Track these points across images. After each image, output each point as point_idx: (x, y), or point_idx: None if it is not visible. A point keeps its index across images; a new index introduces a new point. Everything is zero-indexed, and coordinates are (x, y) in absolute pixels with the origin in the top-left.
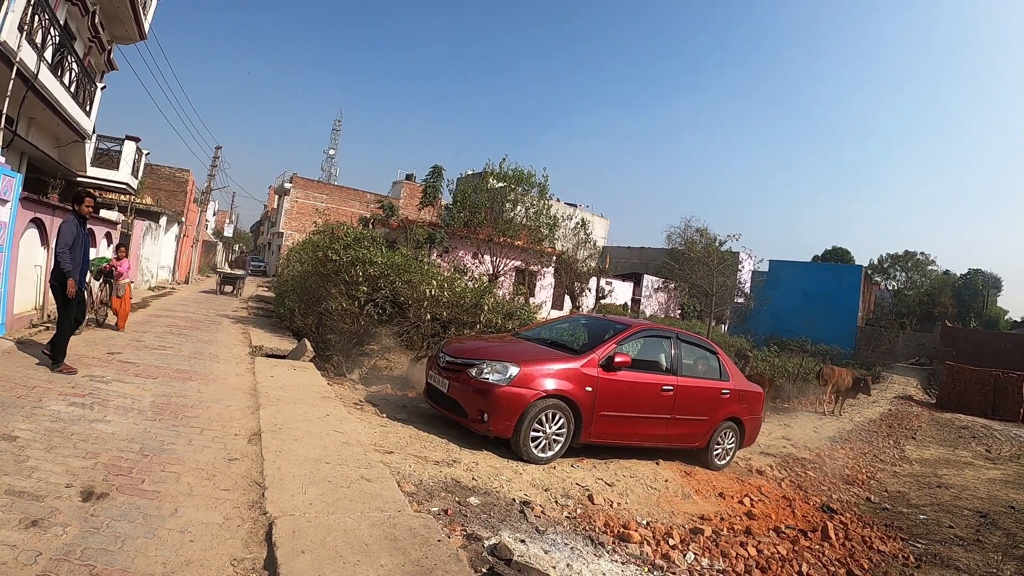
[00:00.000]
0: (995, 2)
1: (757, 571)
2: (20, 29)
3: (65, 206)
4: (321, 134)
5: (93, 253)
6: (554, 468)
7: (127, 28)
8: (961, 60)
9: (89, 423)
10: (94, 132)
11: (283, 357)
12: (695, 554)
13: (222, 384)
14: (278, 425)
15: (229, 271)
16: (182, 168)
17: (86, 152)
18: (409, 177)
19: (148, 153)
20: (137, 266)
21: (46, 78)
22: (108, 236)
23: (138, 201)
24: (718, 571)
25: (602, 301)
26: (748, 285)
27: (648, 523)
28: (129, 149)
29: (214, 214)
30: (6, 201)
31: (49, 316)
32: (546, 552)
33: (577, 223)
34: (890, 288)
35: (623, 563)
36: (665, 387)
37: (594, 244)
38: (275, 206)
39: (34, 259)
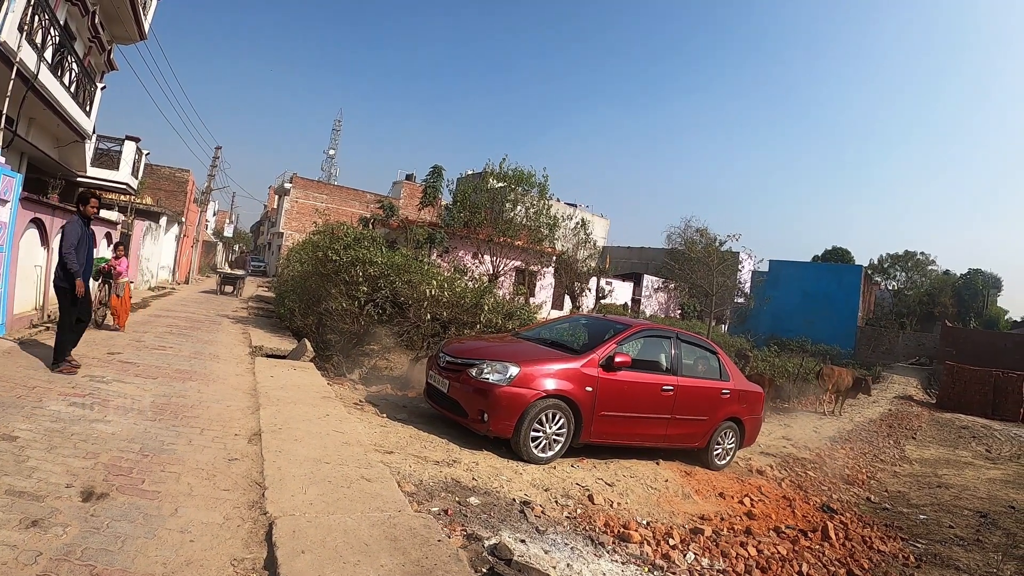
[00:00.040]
0: (995, 2)
1: (757, 571)
2: (20, 29)
3: (66, 206)
4: (321, 134)
5: (96, 253)
6: (554, 468)
7: (127, 28)
8: (961, 60)
9: (89, 423)
10: (94, 132)
11: (283, 357)
12: (695, 554)
13: (222, 384)
14: (278, 425)
15: (229, 271)
16: (182, 168)
17: (86, 152)
18: (409, 177)
19: (148, 153)
20: (137, 266)
21: (46, 78)
22: (108, 236)
23: (138, 201)
24: (718, 571)
25: (602, 301)
26: (748, 285)
27: (648, 523)
28: (129, 149)
29: (214, 214)
30: (6, 201)
31: (49, 316)
32: (546, 552)
33: (577, 223)
34: (890, 288)
35: (623, 563)
36: (665, 387)
37: (594, 244)
38: (275, 206)
39: (34, 259)
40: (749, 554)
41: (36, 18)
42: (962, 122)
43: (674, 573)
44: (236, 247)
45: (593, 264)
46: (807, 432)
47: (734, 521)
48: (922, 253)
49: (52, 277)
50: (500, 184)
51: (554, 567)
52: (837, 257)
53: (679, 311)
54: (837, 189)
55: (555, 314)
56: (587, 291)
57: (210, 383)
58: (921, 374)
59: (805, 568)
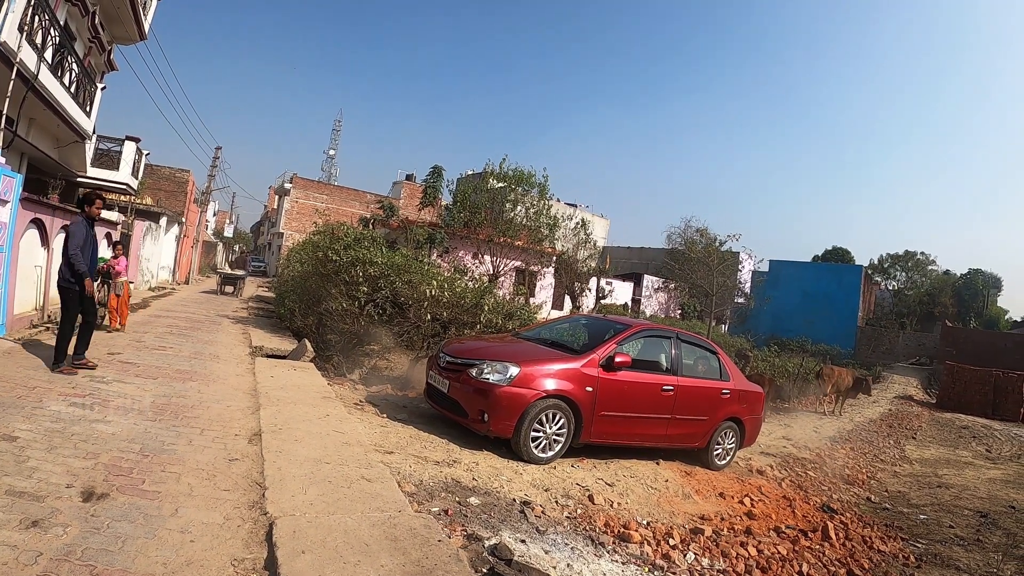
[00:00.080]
0: (995, 2)
1: (757, 571)
2: (20, 30)
3: (66, 206)
4: (321, 134)
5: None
6: (554, 468)
7: (127, 28)
8: (961, 60)
9: (89, 423)
10: (94, 132)
11: (283, 357)
12: (695, 554)
13: (222, 384)
14: (278, 425)
15: (230, 271)
16: (182, 168)
17: (86, 152)
18: (409, 177)
19: (148, 153)
20: (137, 266)
21: (46, 79)
22: (108, 236)
23: (138, 201)
24: (718, 571)
25: (602, 301)
26: (748, 285)
27: (648, 523)
28: (129, 149)
29: (214, 214)
30: (6, 202)
31: (49, 316)
32: (546, 552)
33: (577, 223)
34: (890, 288)
35: (623, 563)
36: (665, 387)
37: (594, 244)
38: (275, 206)
39: (34, 259)
40: (749, 554)
41: (36, 18)
42: (962, 122)
43: (674, 573)
44: (236, 247)
45: (593, 264)
46: (807, 432)
47: (734, 521)
48: (922, 253)
49: (56, 278)
50: (500, 184)
51: (554, 567)
52: (837, 257)
53: (679, 311)
54: (837, 189)
55: (555, 314)
56: (587, 291)
57: (210, 383)
58: (921, 374)
59: (805, 568)
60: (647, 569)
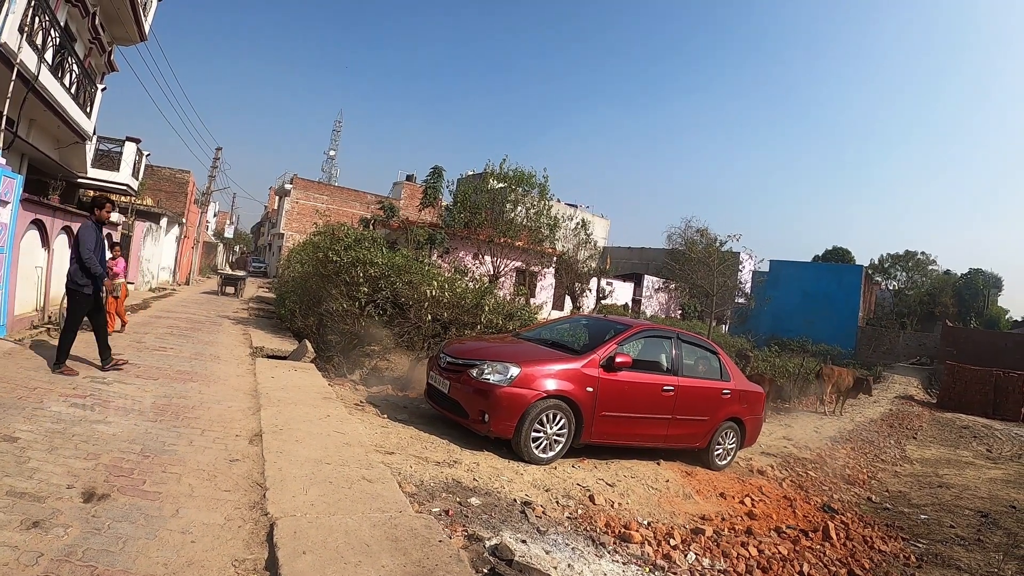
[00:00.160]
0: (995, 2)
1: (758, 571)
2: (21, 31)
3: (67, 207)
4: (321, 134)
5: None
6: (555, 469)
7: (127, 29)
8: (961, 60)
9: (90, 424)
10: (95, 133)
11: (284, 358)
12: (696, 554)
13: (223, 385)
14: (279, 426)
15: (231, 272)
16: (183, 169)
17: (87, 153)
18: (409, 178)
19: (148, 154)
20: (138, 267)
21: (46, 79)
22: (108, 237)
23: (139, 202)
24: (719, 571)
25: (603, 301)
26: (748, 285)
27: (649, 523)
28: (129, 150)
29: (215, 215)
30: (7, 203)
31: (50, 317)
32: (547, 552)
33: (577, 223)
34: (891, 288)
35: (624, 563)
36: (666, 387)
37: (595, 244)
38: (275, 207)
39: (35, 260)
40: (750, 554)
41: (36, 19)
42: (962, 122)
43: (675, 573)
44: (237, 248)
45: (594, 264)
46: (808, 432)
47: (735, 521)
48: (923, 253)
49: (66, 280)
50: (500, 185)
51: (555, 567)
52: (837, 257)
53: (680, 311)
54: (837, 189)
55: (556, 314)
56: (588, 292)
57: (211, 384)
58: (922, 374)
59: (806, 568)
60: (648, 569)
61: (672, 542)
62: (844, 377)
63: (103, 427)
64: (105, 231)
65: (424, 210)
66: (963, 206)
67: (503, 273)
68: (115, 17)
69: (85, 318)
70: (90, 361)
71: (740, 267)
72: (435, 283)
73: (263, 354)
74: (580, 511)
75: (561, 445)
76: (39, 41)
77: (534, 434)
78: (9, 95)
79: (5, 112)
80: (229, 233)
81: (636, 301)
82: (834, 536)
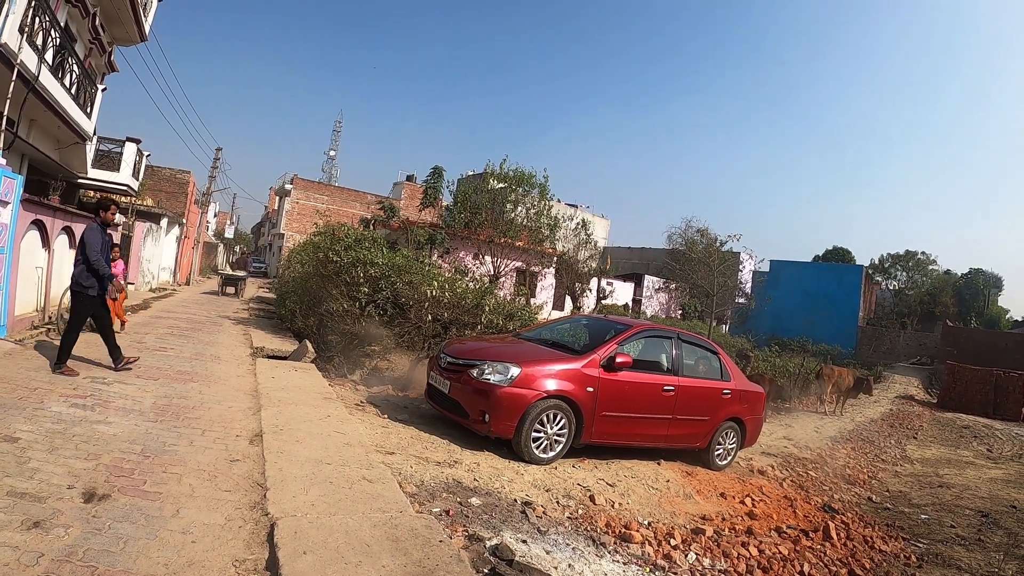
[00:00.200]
0: (995, 2)
1: (759, 571)
2: (21, 31)
3: (68, 208)
4: (321, 135)
5: None
6: (555, 469)
7: (127, 29)
8: (961, 60)
9: (91, 424)
10: (95, 134)
11: (284, 358)
12: (697, 554)
13: (223, 385)
14: (279, 426)
15: (231, 272)
16: (183, 169)
17: (87, 154)
18: (410, 178)
19: (149, 155)
20: (138, 268)
21: (47, 80)
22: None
23: (139, 203)
24: (720, 571)
25: (603, 302)
26: (749, 285)
27: (650, 523)
28: (130, 151)
29: (215, 215)
30: (7, 203)
31: (50, 318)
32: (548, 552)
33: (578, 223)
34: (891, 288)
35: (625, 563)
36: (666, 387)
37: (595, 244)
38: (276, 207)
39: (35, 261)
40: (751, 554)
41: (37, 20)
42: (962, 122)
43: (676, 573)
44: (237, 248)
45: (594, 265)
46: (808, 432)
47: (735, 521)
48: (923, 253)
49: (71, 282)
50: (501, 185)
51: (556, 567)
52: (838, 257)
53: (680, 311)
54: (837, 189)
55: (556, 315)
56: (588, 292)
57: (211, 384)
58: (922, 374)
59: (807, 568)
60: (648, 569)
61: (672, 542)
62: (844, 377)
63: (104, 427)
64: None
65: (424, 210)
66: (963, 206)
67: (503, 273)
68: (115, 17)
69: (89, 319)
70: (92, 361)
71: (740, 267)
72: (435, 283)
73: (263, 354)
74: (581, 511)
75: (561, 445)
76: (39, 41)
77: (534, 434)
78: (9, 95)
79: (5, 112)
80: (229, 233)
81: (636, 301)
82: (835, 536)
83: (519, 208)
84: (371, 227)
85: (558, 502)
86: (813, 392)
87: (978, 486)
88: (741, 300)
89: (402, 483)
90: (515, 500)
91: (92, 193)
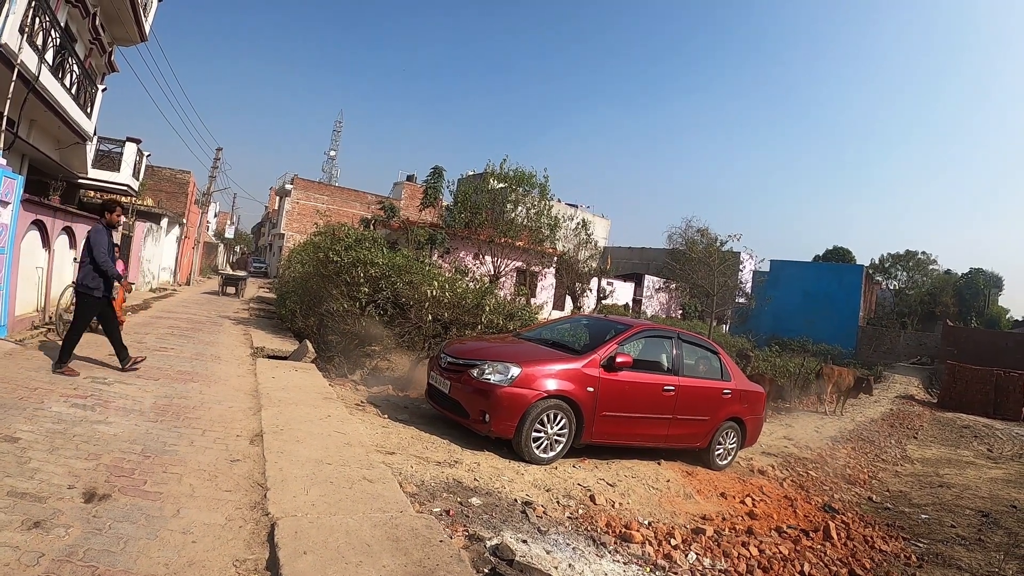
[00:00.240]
0: (995, 2)
1: (759, 571)
2: (21, 31)
3: (68, 208)
4: (321, 135)
5: None
6: (556, 469)
7: (128, 29)
8: (961, 60)
9: (91, 424)
10: (95, 134)
11: (284, 358)
12: (697, 554)
13: (224, 385)
14: (280, 426)
15: (231, 272)
16: (183, 170)
17: (87, 154)
18: (410, 178)
19: (149, 155)
20: (138, 268)
21: (47, 80)
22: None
23: (139, 203)
24: (720, 571)
25: (603, 301)
26: (749, 285)
27: (650, 523)
28: (130, 151)
29: (215, 215)
30: (8, 203)
31: (50, 318)
32: (548, 552)
33: (578, 223)
34: (891, 288)
35: (625, 563)
36: (667, 387)
37: (595, 244)
38: (276, 207)
39: (36, 261)
40: (751, 554)
41: (37, 20)
42: (962, 122)
43: (676, 573)
44: (237, 248)
45: (594, 264)
46: (808, 432)
47: (736, 521)
48: (923, 252)
49: (76, 284)
50: (501, 185)
51: (556, 567)
52: (838, 257)
53: (680, 311)
54: (837, 189)
55: (556, 315)
56: (588, 291)
57: (212, 384)
58: (922, 373)
59: (807, 568)
60: (649, 569)
61: (673, 542)
62: (845, 377)
63: (104, 427)
64: None
65: (424, 210)
66: (963, 206)
67: (504, 273)
68: (115, 17)
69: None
70: (93, 361)
71: (740, 267)
72: (436, 283)
73: (264, 354)
74: (581, 511)
75: (562, 445)
76: (39, 42)
77: (535, 434)
78: (9, 96)
79: (6, 113)
80: (230, 233)
81: (637, 301)
82: (835, 536)
83: (519, 208)
84: (371, 227)
85: (558, 502)
86: (813, 392)
87: (978, 486)
88: (741, 300)
89: (402, 483)
90: (515, 500)
91: (92, 193)
